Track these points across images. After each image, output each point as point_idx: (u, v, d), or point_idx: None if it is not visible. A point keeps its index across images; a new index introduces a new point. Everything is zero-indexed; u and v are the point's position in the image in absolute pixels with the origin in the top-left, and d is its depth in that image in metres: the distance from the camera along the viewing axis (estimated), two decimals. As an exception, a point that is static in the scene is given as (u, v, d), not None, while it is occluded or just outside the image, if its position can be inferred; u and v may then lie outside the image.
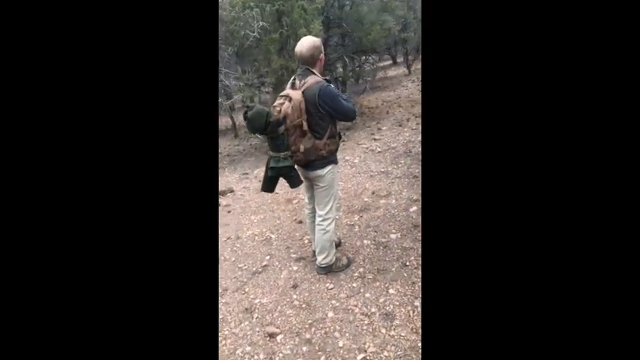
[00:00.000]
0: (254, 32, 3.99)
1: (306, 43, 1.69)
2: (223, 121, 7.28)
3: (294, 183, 1.78)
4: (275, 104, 1.70)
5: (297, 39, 1.84)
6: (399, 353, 1.47)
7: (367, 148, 4.17)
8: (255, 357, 1.57)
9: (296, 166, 1.75)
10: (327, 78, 1.78)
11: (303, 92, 1.66)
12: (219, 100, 5.31)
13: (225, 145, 5.99)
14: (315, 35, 3.81)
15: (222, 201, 3.40)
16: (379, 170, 3.44)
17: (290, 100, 1.66)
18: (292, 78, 1.73)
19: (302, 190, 1.89)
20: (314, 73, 1.72)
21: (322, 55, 1.75)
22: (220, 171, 4.49)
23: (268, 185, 1.80)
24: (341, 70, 6.13)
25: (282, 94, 1.73)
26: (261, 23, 4.02)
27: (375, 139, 4.42)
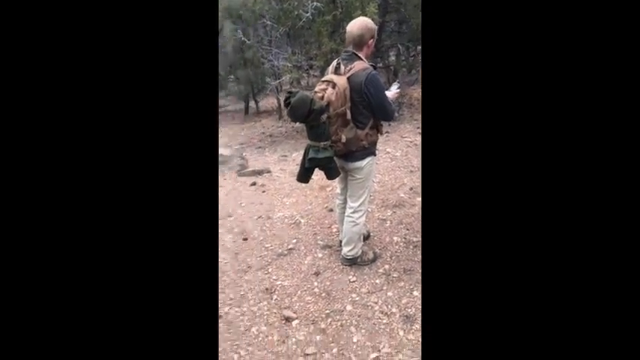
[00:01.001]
0: (307, 12, 3.92)
1: (359, 22, 1.61)
2: (270, 102, 7.36)
3: (332, 174, 1.70)
4: (316, 90, 1.62)
5: (351, 22, 1.76)
6: (414, 359, 1.41)
7: (411, 142, 4.01)
8: (269, 337, 1.59)
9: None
10: (374, 64, 1.68)
11: (348, 78, 1.58)
12: (267, 79, 5.36)
13: (268, 125, 6.07)
14: (370, 19, 3.66)
15: (258, 180, 3.46)
16: (420, 166, 3.30)
17: (334, 86, 1.57)
18: (336, 62, 1.64)
19: (337, 179, 1.84)
20: (360, 59, 1.63)
21: (372, 40, 1.65)
22: (260, 151, 4.57)
23: (304, 176, 1.74)
24: (394, 58, 5.90)
25: (324, 79, 1.66)
26: (315, 4, 3.94)
27: (420, 134, 4.23)
